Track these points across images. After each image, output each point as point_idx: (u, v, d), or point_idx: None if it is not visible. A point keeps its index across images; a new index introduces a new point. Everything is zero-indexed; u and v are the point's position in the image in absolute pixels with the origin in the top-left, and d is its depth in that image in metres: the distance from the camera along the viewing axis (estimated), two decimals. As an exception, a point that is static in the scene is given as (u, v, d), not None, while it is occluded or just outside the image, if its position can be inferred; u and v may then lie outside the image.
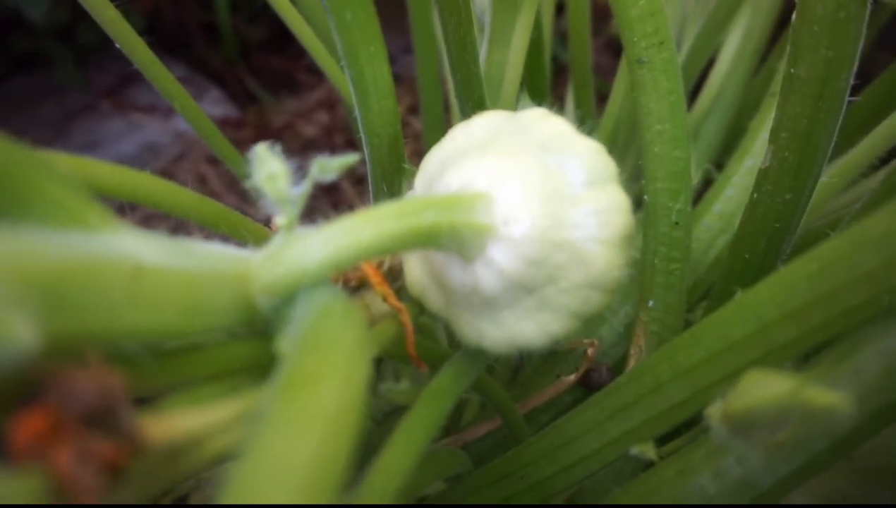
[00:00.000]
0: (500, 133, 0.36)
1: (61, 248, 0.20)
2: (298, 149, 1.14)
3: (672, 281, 0.50)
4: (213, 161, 1.14)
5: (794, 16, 0.34)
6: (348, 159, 0.32)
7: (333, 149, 1.29)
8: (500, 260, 0.32)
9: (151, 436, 0.19)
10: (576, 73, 0.77)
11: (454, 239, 0.31)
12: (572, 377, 0.53)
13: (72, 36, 1.20)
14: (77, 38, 1.20)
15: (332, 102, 1.19)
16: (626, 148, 0.73)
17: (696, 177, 0.66)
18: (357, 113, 0.39)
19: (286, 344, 0.24)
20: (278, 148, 0.31)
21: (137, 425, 0.19)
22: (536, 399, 0.54)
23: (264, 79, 1.29)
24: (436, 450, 0.41)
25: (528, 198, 0.32)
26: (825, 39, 0.33)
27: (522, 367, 0.64)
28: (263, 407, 0.20)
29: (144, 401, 0.24)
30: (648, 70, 0.46)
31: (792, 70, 0.36)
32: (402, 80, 1.30)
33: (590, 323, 0.60)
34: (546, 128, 0.35)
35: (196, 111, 0.56)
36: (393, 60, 1.46)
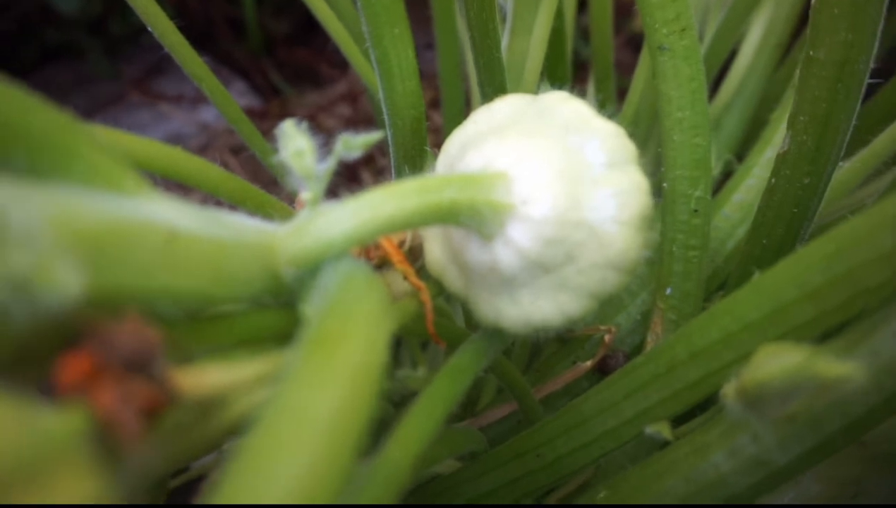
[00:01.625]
0: (521, 115, 0.37)
1: (103, 208, 0.21)
2: (321, 141, 1.15)
3: (690, 269, 0.50)
4: (236, 151, 1.16)
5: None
6: (372, 137, 0.33)
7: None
8: (518, 240, 0.33)
9: (184, 388, 0.20)
10: (597, 65, 0.77)
11: (473, 216, 0.32)
12: (589, 363, 0.54)
13: (103, 28, 1.22)
14: (108, 29, 1.23)
15: (355, 95, 1.20)
16: (646, 138, 0.73)
17: (716, 168, 0.65)
18: (381, 95, 0.40)
19: (311, 309, 0.25)
20: (304, 125, 0.32)
21: (172, 376, 0.20)
22: (553, 384, 0.55)
23: (288, 72, 1.31)
24: (451, 429, 0.41)
25: (547, 179, 0.33)
26: (844, 22, 0.33)
27: (540, 353, 0.64)
28: (288, 366, 0.21)
29: (178, 362, 0.25)
30: (670, 57, 0.47)
31: (811, 53, 0.36)
32: (424, 75, 1.31)
33: (607, 309, 0.60)
34: (567, 110, 0.36)
35: (225, 96, 0.57)
36: (416, 55, 1.47)
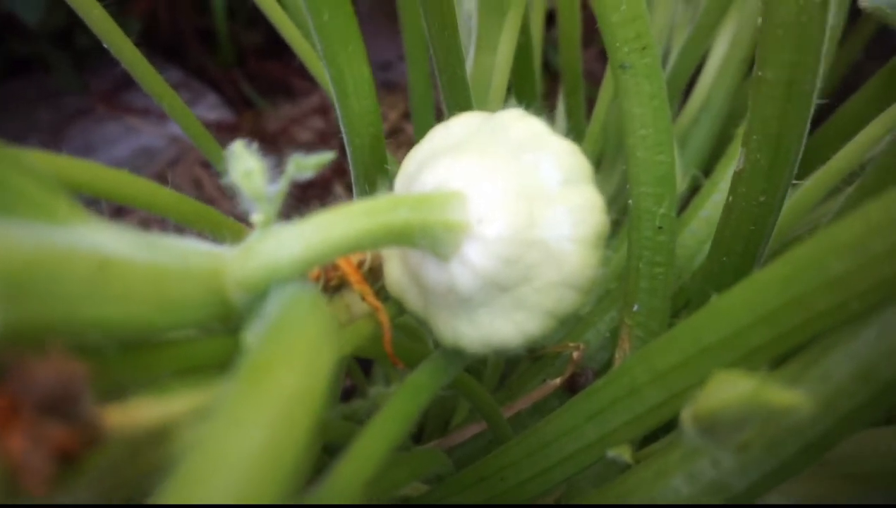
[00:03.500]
0: (477, 133, 0.37)
1: (24, 238, 0.20)
2: (292, 153, 1.14)
3: (656, 286, 0.50)
4: (208, 165, 1.15)
5: (758, 20, 0.34)
6: (324, 157, 0.32)
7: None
8: (474, 259, 0.32)
9: (112, 426, 0.19)
10: (567, 78, 0.77)
11: (427, 237, 0.31)
12: (558, 380, 0.53)
13: (69, 40, 1.20)
14: (74, 42, 1.21)
15: (327, 108, 1.20)
16: (615, 154, 0.74)
17: (683, 184, 0.66)
18: (338, 113, 0.40)
19: (252, 336, 0.25)
20: (255, 146, 0.32)
21: (97, 414, 0.19)
22: (522, 402, 0.54)
23: (260, 84, 1.30)
24: (415, 450, 0.40)
25: (501, 197, 0.32)
26: (789, 42, 0.33)
27: (511, 373, 0.64)
28: (219, 397, 0.20)
29: (113, 396, 0.24)
30: (631, 75, 0.47)
31: (760, 73, 0.36)
32: (398, 87, 1.31)
33: (576, 327, 0.60)
34: (522, 127, 0.35)
35: (188, 116, 0.56)
36: (389, 67, 1.47)
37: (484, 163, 0.34)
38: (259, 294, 0.28)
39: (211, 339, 0.29)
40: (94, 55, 1.25)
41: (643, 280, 0.50)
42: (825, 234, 0.29)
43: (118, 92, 1.23)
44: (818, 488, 0.36)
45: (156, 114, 1.17)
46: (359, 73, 0.36)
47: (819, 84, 0.38)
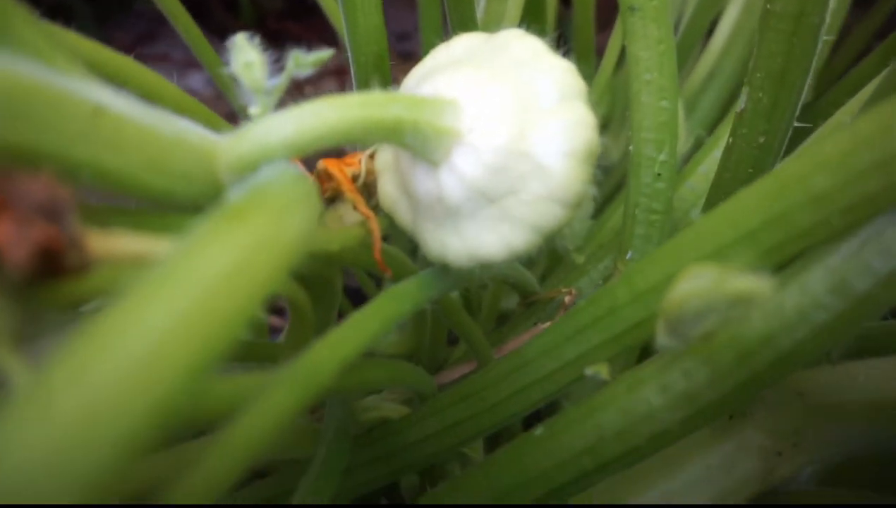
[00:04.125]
0: (477, 50, 0.37)
1: (24, 69, 0.21)
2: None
3: (651, 233, 0.51)
4: (226, 120, 1.16)
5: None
6: (324, 54, 0.33)
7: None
8: (463, 167, 0.33)
9: (93, 247, 0.20)
10: (578, 44, 0.77)
11: (418, 138, 0.32)
12: (548, 324, 0.54)
13: (94, -8, 1.22)
14: (100, -6, 1.23)
15: (342, 70, 1.21)
16: (623, 118, 0.74)
17: (688, 144, 0.66)
18: (345, 32, 0.40)
19: (233, 195, 0.25)
20: (257, 39, 0.32)
21: (82, 232, 0.20)
22: (512, 344, 0.55)
23: (279, 45, 1.31)
24: (397, 360, 0.41)
25: (495, 108, 0.33)
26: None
27: (506, 320, 0.64)
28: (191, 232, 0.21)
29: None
30: (639, 17, 0.47)
31: (768, 6, 0.36)
32: (415, 56, 1.32)
33: (569, 274, 0.60)
34: (521, 45, 0.36)
35: (215, 59, 0.57)
36: (407, 37, 1.47)
37: (480, 76, 0.34)
38: (250, 173, 0.29)
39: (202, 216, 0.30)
40: (115, 10, 1.27)
41: (639, 226, 0.51)
42: (811, 150, 0.30)
43: (138, 46, 1.24)
44: (795, 420, 0.37)
45: (176, 68, 1.18)
46: (364, -13, 0.36)
47: (827, 19, 0.38)
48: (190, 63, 1.26)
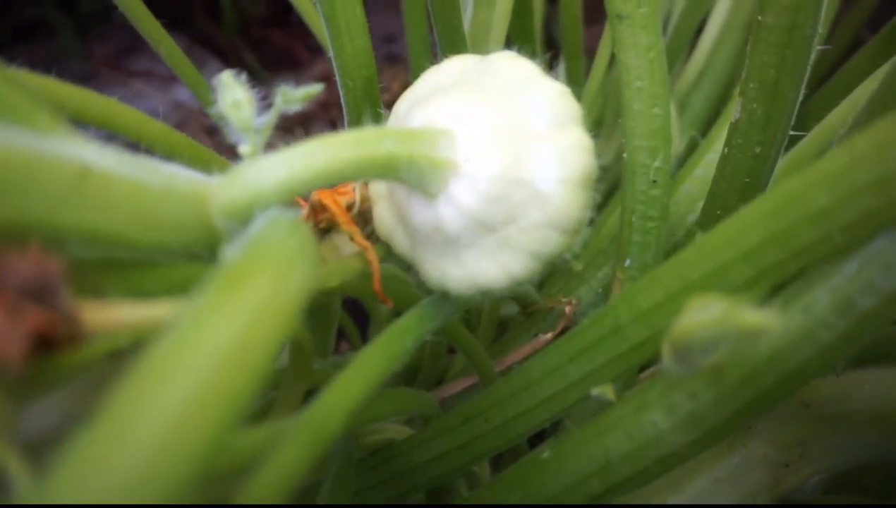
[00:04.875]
0: (468, 74, 0.37)
1: (4, 138, 0.20)
2: (296, 122, 1.14)
3: (648, 240, 0.50)
4: (210, 132, 1.15)
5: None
6: (313, 89, 0.32)
7: (330, 123, 1.29)
8: (460, 197, 0.33)
9: (90, 321, 0.20)
10: (567, 45, 0.77)
11: (413, 172, 0.31)
12: (549, 335, 0.54)
13: (73, 6, 1.21)
14: (78, 7, 1.21)
15: (330, 78, 1.20)
16: (615, 120, 0.73)
17: (681, 145, 0.66)
18: (332, 56, 0.40)
19: (230, 252, 0.25)
20: (244, 76, 0.32)
21: (75, 307, 0.20)
22: (513, 356, 0.55)
23: (264, 54, 1.29)
24: (400, 390, 0.41)
25: (489, 136, 0.33)
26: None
27: (507, 329, 0.64)
28: (192, 301, 0.20)
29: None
30: (628, 25, 0.46)
31: (760, 18, 0.36)
32: (401, 59, 1.30)
33: (568, 283, 0.60)
34: (513, 69, 0.35)
35: (196, 77, 0.56)
36: (393, 40, 1.46)
37: (472, 103, 0.34)
38: (243, 219, 0.28)
39: (198, 265, 0.30)
40: (97, 21, 1.25)
41: (636, 234, 0.50)
42: (810, 167, 0.29)
43: (122, 58, 1.23)
44: (801, 430, 0.37)
45: (160, 80, 1.17)
46: (351, 12, 0.36)
47: (819, 30, 0.38)
48: (175, 75, 1.25)
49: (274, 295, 0.20)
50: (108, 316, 0.21)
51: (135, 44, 1.31)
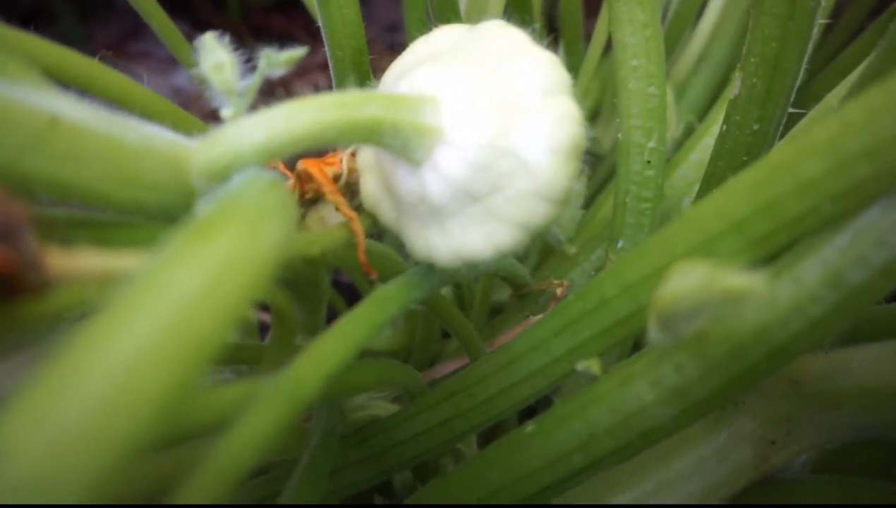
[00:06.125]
0: (457, 43, 0.36)
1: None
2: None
3: (642, 222, 0.50)
4: (209, 117, 1.15)
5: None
6: (297, 52, 0.32)
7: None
8: (445, 165, 0.32)
9: (53, 265, 0.20)
10: (566, 32, 0.76)
11: (398, 138, 0.31)
12: (540, 316, 0.53)
13: (75, -11, 1.20)
14: (80, -9, 1.21)
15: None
16: (614, 107, 0.72)
17: (678, 130, 0.65)
18: (321, 26, 0.39)
19: (204, 207, 0.25)
20: (227, 38, 0.31)
21: (40, 250, 0.19)
22: (504, 337, 0.54)
23: (265, 40, 1.29)
24: (383, 359, 0.41)
25: (475, 104, 0.32)
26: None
27: (499, 312, 0.64)
28: (160, 250, 0.20)
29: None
30: (625, 2, 0.46)
31: (762, -11, 0.35)
32: (403, 48, 1.30)
33: (561, 265, 0.60)
34: (502, 37, 0.35)
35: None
36: (395, 28, 1.45)
37: (459, 71, 0.33)
38: (222, 180, 0.28)
39: (173, 226, 0.29)
40: (98, 7, 1.25)
41: (629, 215, 0.50)
42: (800, 137, 0.29)
43: (123, 43, 1.22)
44: (788, 408, 0.36)
45: (160, 65, 1.17)
46: (338, -20, 0.35)
47: (822, 2, 0.37)
48: (175, 59, 1.24)
49: (245, 246, 0.20)
50: (75, 263, 0.20)
51: (136, 29, 1.31)
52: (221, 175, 0.28)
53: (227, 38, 0.31)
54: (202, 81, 0.42)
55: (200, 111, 1.17)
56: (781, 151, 0.30)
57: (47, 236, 0.21)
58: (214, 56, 0.30)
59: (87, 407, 0.16)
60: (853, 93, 0.39)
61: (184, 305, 0.17)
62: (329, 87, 1.30)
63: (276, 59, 0.31)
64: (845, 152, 0.27)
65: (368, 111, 0.30)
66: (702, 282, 0.24)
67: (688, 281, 0.25)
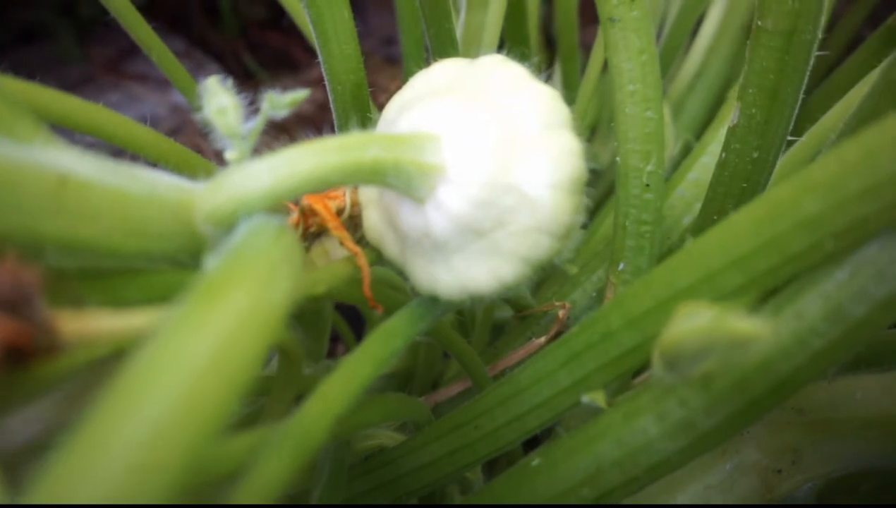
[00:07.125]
0: (456, 78, 0.36)
1: (-19, 147, 0.20)
2: (293, 125, 1.14)
3: (642, 244, 0.50)
4: (206, 135, 1.15)
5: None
6: (299, 95, 0.32)
7: (328, 125, 1.29)
8: (448, 203, 0.32)
9: (66, 331, 0.20)
10: (563, 45, 0.76)
11: (401, 177, 0.31)
12: (543, 339, 0.53)
13: (72, 9, 1.21)
14: (77, 11, 1.21)
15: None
16: (611, 123, 0.73)
17: (675, 149, 0.65)
18: (321, 60, 0.39)
19: (213, 260, 0.25)
20: (230, 81, 0.32)
21: (51, 317, 0.19)
22: (507, 360, 0.54)
23: (262, 56, 1.29)
24: (388, 395, 0.41)
25: (477, 140, 0.32)
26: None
27: (502, 334, 0.64)
28: (173, 311, 0.20)
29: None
30: (620, 29, 0.46)
31: (759, 23, 0.36)
32: (400, 61, 1.31)
33: (562, 287, 0.60)
34: (502, 72, 0.35)
35: (191, 83, 0.56)
36: (392, 42, 1.46)
37: (460, 107, 0.33)
38: (228, 226, 0.28)
39: (184, 272, 0.29)
40: (96, 25, 1.25)
41: (630, 238, 0.50)
42: (800, 175, 0.29)
43: (120, 61, 1.23)
44: (793, 437, 0.36)
45: (158, 83, 1.17)
46: (339, 16, 0.35)
47: (819, 35, 0.38)
48: (172, 77, 1.25)
49: (255, 306, 0.20)
50: (86, 325, 0.21)
51: (133, 47, 1.31)
52: (227, 221, 0.28)
53: (229, 83, 0.31)
54: (206, 125, 0.42)
55: (199, 130, 1.17)
56: (783, 189, 0.30)
57: (59, 295, 0.22)
58: (218, 100, 0.30)
59: (115, 473, 0.16)
60: (850, 127, 0.39)
61: (195, 375, 0.18)
62: (328, 104, 1.30)
63: (279, 102, 0.32)
64: (845, 191, 0.28)
65: (371, 153, 0.30)
66: (708, 326, 0.24)
67: (693, 323, 0.25)
